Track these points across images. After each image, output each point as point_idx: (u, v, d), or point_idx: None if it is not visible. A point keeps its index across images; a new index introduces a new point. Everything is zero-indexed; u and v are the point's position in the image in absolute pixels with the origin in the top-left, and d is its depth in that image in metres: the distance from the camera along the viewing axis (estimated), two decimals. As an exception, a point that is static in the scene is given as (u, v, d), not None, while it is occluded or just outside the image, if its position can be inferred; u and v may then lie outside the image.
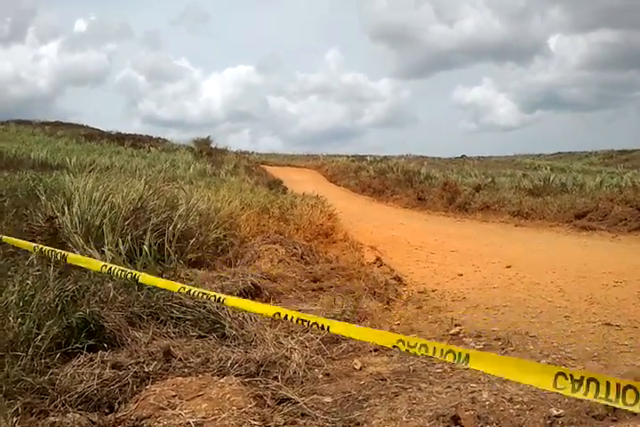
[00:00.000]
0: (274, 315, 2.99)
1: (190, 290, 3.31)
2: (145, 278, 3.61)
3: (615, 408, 2.93)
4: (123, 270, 3.68)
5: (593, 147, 48.24)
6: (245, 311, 3.83)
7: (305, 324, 2.86)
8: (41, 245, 4.40)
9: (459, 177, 19.41)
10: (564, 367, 2.57)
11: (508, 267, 7.02)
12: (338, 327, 2.78)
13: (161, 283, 3.63)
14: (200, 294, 3.24)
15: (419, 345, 2.38)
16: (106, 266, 3.79)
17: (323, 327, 2.76)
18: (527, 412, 2.90)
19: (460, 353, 2.29)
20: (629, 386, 2.03)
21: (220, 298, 3.19)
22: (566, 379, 2.11)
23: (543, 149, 55.90)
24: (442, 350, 2.32)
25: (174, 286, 3.48)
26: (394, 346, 2.47)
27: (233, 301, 3.25)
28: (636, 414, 2.90)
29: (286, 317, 2.89)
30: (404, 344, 2.41)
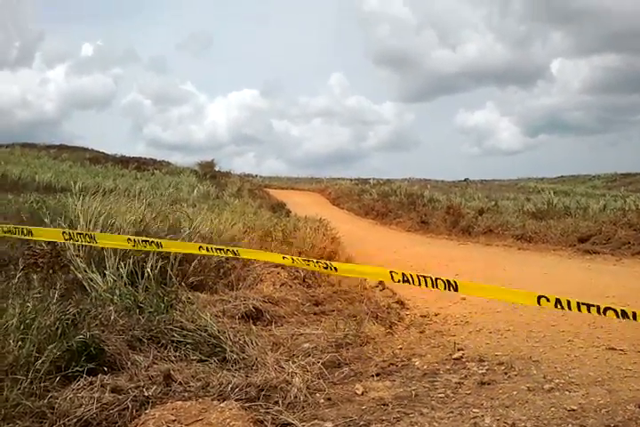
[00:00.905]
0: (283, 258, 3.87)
1: (207, 247, 4.25)
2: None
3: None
4: (219, 249, 4.29)
5: (596, 170, 48.34)
6: (257, 259, 4.63)
7: (311, 263, 3.65)
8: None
9: (462, 200, 19.41)
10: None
11: (512, 291, 6.98)
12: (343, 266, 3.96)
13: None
14: (216, 251, 4.15)
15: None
16: (202, 247, 4.38)
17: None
18: (530, 438, 2.87)
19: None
20: (608, 308, 2.79)
21: (234, 251, 4.09)
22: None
23: (546, 172, 56.01)
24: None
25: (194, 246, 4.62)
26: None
27: (245, 252, 4.39)
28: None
29: (293, 260, 3.77)
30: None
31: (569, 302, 2.84)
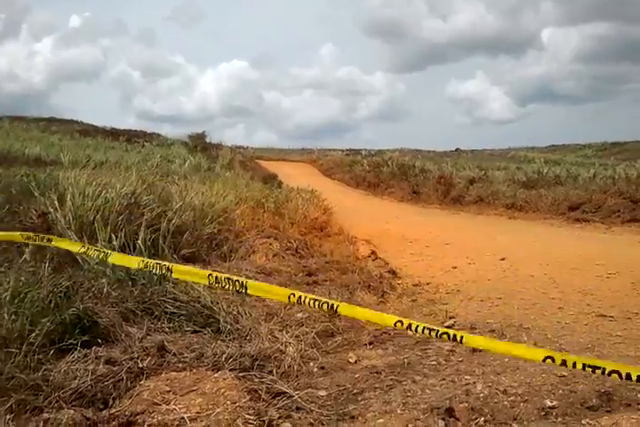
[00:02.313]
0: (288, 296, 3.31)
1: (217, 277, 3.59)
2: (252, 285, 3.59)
3: (609, 399, 2.96)
4: (229, 278, 3.61)
5: (586, 139, 48.39)
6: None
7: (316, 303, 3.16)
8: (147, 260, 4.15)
9: (453, 170, 19.39)
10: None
11: (502, 259, 7.03)
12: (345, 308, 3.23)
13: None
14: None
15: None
16: (212, 275, 3.69)
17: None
18: (521, 404, 2.91)
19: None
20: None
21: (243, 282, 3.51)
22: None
23: (537, 141, 56.02)
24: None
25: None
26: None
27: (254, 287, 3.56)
28: (630, 404, 2.93)
29: (300, 298, 3.22)
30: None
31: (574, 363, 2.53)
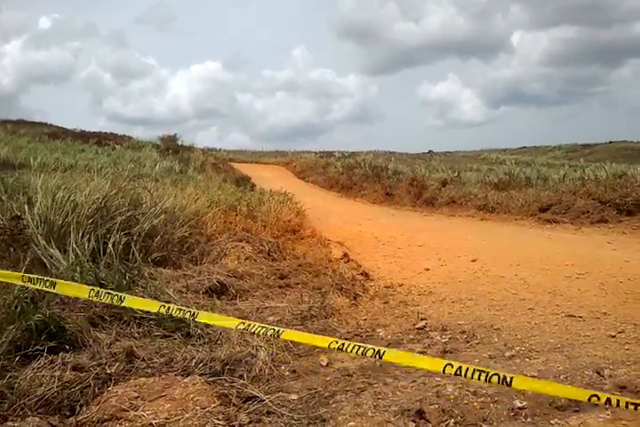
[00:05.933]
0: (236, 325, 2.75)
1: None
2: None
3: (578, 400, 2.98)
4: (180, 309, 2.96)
5: (557, 141, 49.19)
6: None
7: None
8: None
9: (426, 172, 19.50)
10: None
11: (474, 261, 7.08)
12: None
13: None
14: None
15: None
16: (164, 306, 3.02)
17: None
18: (491, 404, 2.93)
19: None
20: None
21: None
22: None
23: (508, 143, 56.76)
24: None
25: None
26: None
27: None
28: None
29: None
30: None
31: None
